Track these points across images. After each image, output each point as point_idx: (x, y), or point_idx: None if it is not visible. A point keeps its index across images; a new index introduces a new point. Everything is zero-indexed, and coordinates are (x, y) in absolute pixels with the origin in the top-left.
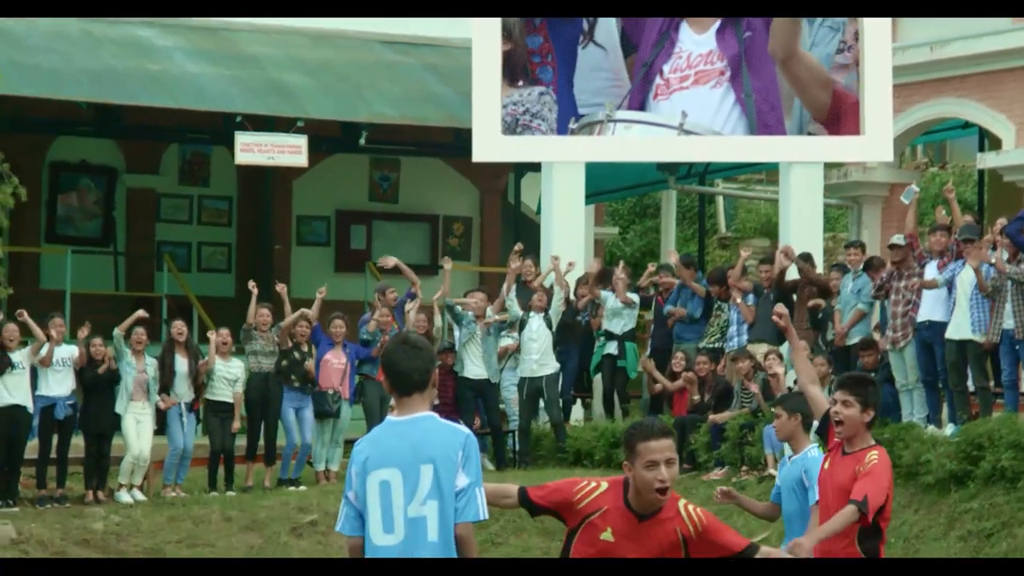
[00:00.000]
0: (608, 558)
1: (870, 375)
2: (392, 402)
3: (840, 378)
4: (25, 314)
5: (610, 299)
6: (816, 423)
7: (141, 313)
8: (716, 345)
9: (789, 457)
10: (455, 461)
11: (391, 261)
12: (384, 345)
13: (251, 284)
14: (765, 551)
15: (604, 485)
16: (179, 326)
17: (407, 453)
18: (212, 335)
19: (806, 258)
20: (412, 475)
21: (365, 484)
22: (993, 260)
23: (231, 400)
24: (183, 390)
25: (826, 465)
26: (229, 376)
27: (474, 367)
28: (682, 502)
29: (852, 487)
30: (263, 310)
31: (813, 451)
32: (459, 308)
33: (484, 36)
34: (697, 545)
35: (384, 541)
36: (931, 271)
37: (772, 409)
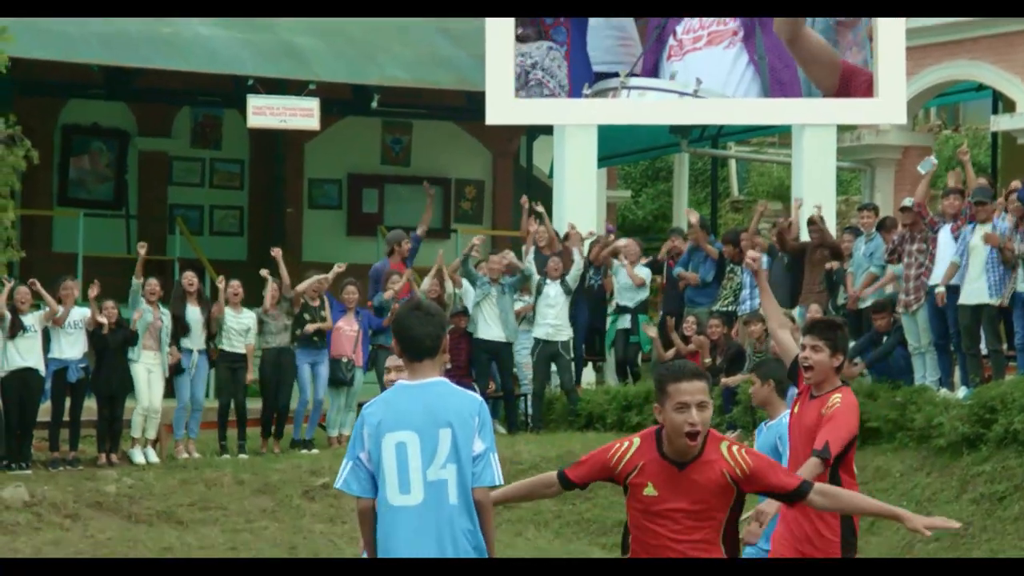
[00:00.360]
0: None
1: (838, 319)
2: (388, 362)
3: (808, 323)
4: (37, 284)
5: (621, 272)
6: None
7: (141, 250)
8: (729, 308)
9: (766, 423)
10: (472, 426)
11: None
12: (395, 313)
13: (264, 272)
14: (820, 488)
15: (636, 441)
16: (189, 276)
17: (423, 417)
18: (220, 283)
19: (818, 219)
20: (430, 439)
21: (380, 445)
22: (1005, 226)
23: (243, 351)
24: (196, 338)
25: (795, 409)
26: (240, 327)
27: (489, 328)
28: (725, 444)
29: (817, 430)
30: (273, 286)
31: (788, 417)
32: (474, 268)
33: None
34: (746, 487)
35: (402, 501)
36: (944, 235)
37: (749, 375)
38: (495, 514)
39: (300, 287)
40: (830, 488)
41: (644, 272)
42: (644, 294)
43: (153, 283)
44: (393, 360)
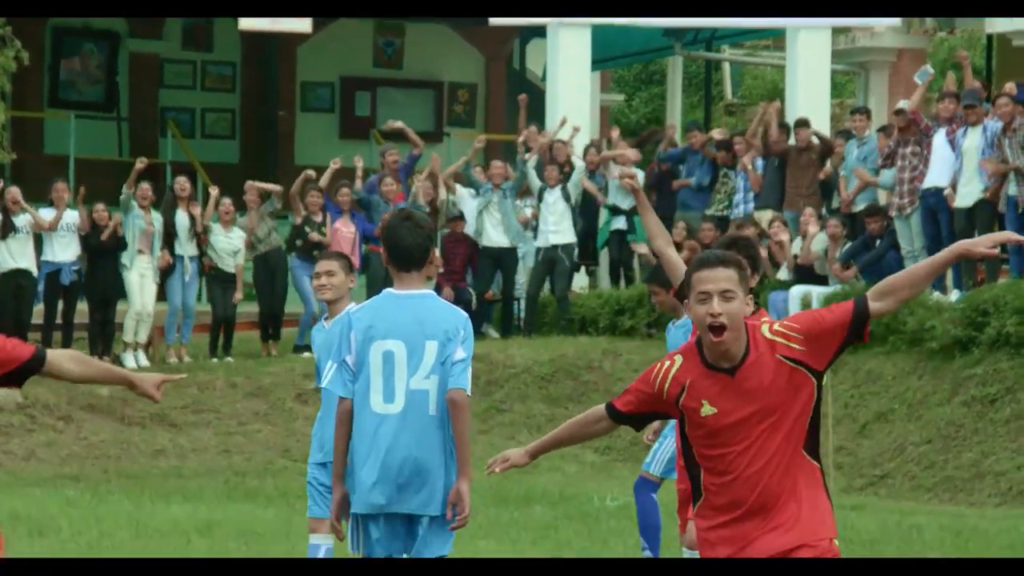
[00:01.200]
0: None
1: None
2: (317, 267)
3: (718, 243)
4: (22, 203)
5: (616, 171)
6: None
7: (140, 164)
8: (723, 213)
9: (673, 323)
10: (457, 340)
11: (396, 124)
12: (386, 222)
13: (249, 189)
14: (873, 293)
15: (678, 359)
16: (182, 182)
17: (412, 327)
18: (213, 191)
19: (804, 123)
20: (417, 350)
21: (367, 352)
22: (997, 126)
23: (233, 271)
24: (187, 244)
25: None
26: (230, 247)
27: (494, 235)
28: (765, 326)
29: None
30: (251, 190)
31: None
32: (475, 175)
33: None
34: (812, 355)
35: (385, 409)
36: (940, 138)
37: (647, 287)
38: (485, 418)
39: (293, 188)
40: (882, 286)
41: (638, 177)
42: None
43: (145, 188)
44: (323, 265)
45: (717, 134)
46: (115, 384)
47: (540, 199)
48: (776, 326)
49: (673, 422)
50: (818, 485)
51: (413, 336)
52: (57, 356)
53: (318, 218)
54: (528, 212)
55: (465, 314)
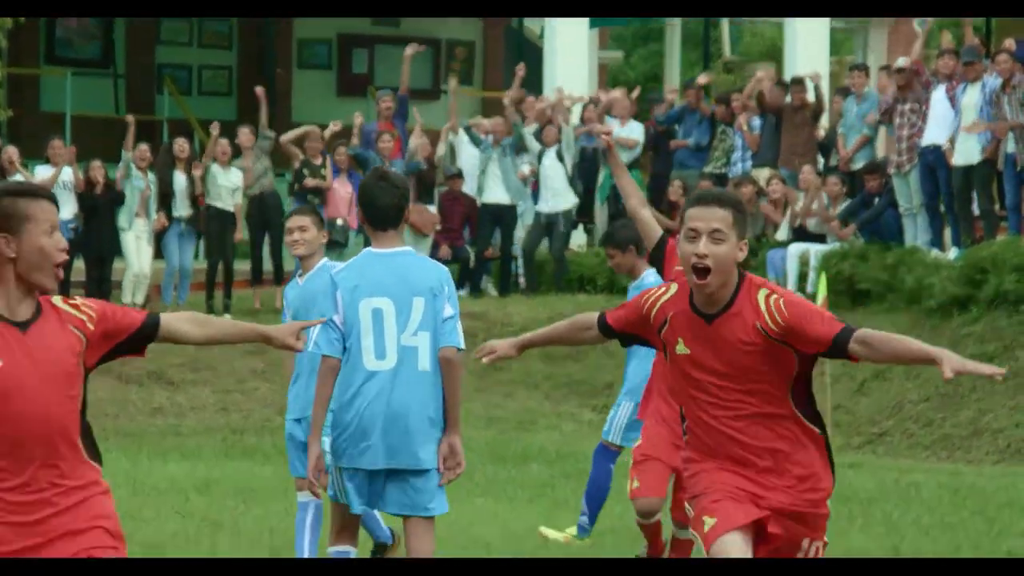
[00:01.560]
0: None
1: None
2: (289, 223)
3: (696, 193)
4: (17, 164)
5: (614, 127)
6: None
7: (130, 120)
8: (721, 171)
9: (631, 284)
10: (443, 296)
11: (414, 49)
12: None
13: (260, 95)
14: (858, 336)
15: (673, 287)
16: (181, 143)
17: (398, 285)
18: (215, 129)
19: (799, 81)
20: (405, 306)
21: (356, 310)
22: (996, 83)
23: (232, 209)
24: (182, 206)
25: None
26: (229, 185)
27: (496, 191)
28: (763, 291)
29: None
30: (244, 130)
31: (651, 276)
32: (476, 132)
33: None
34: (792, 341)
35: (377, 366)
36: (939, 95)
37: (605, 249)
38: (482, 374)
39: (287, 136)
40: (868, 334)
41: (636, 130)
42: (637, 151)
43: (143, 149)
44: (295, 220)
45: (702, 79)
46: (246, 341)
47: (539, 163)
48: (771, 300)
49: (628, 386)
50: (811, 448)
51: (400, 293)
52: (173, 319)
53: (317, 161)
54: (526, 169)
55: (445, 268)
